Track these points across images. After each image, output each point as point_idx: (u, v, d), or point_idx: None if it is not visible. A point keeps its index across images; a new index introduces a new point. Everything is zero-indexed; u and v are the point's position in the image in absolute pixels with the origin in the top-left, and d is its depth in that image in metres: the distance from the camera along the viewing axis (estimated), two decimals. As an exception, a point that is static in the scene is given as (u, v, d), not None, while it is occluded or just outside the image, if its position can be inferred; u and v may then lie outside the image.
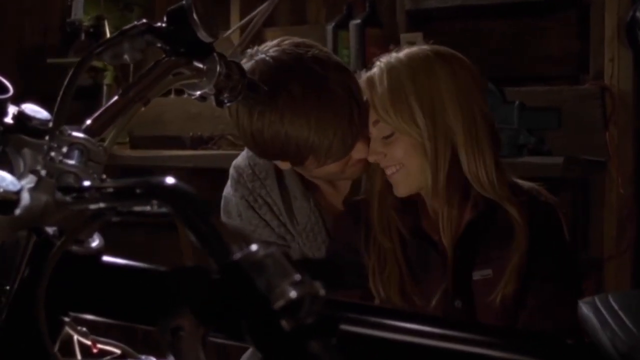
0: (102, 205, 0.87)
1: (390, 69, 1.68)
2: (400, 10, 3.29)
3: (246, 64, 1.68)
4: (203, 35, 1.22)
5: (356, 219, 1.79)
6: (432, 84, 1.66)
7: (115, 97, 1.12)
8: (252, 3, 3.64)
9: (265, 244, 0.69)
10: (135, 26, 1.18)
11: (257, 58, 1.70)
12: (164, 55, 1.20)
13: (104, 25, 3.68)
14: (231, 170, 2.00)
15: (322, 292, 0.67)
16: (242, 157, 1.99)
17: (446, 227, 1.70)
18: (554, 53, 3.15)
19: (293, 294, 0.65)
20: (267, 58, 1.69)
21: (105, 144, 1.08)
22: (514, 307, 1.69)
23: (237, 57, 3.54)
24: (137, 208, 0.82)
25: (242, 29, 3.60)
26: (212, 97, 1.30)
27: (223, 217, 2.00)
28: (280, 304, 0.65)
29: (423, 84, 1.66)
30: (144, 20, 1.21)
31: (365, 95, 1.72)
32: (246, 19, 3.58)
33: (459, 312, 1.71)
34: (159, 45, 1.21)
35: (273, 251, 0.67)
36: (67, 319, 1.02)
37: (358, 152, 1.76)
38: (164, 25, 1.22)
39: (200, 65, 1.26)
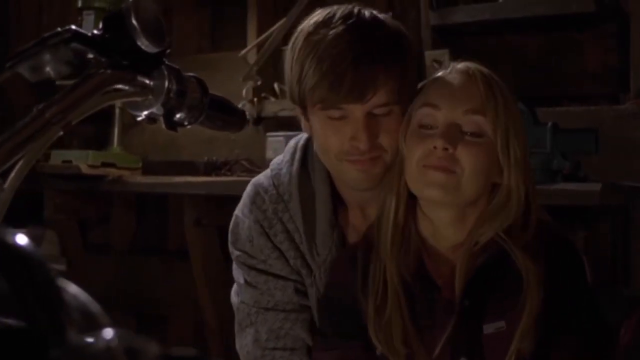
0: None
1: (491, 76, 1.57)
2: (425, 26, 3.07)
3: None
4: (145, 44, 1.01)
5: (352, 263, 1.61)
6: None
7: (27, 119, 0.91)
8: (271, 20, 3.46)
9: (121, 332, 0.47)
10: (57, 33, 0.98)
11: None
12: (95, 69, 1.00)
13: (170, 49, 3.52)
14: (249, 188, 1.82)
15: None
16: (266, 176, 1.81)
17: (458, 272, 1.53)
18: (590, 70, 2.91)
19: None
20: None
21: (8, 181, 0.86)
22: None
23: (253, 78, 3.40)
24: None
25: (260, 47, 3.42)
26: (162, 119, 1.09)
27: (230, 239, 1.83)
28: None
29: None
30: (72, 27, 1.01)
31: (470, 85, 1.55)
32: (263, 36, 3.40)
33: None
34: (90, 56, 1.01)
35: (114, 345, 0.45)
36: None
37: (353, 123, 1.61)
38: (97, 32, 1.02)
39: (146, 81, 1.05)
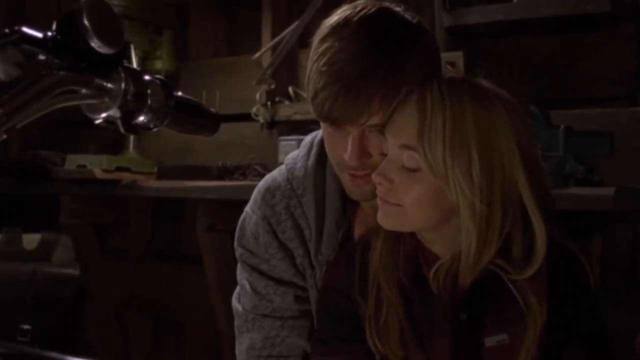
0: None
1: (454, 100, 1.42)
2: (439, 27, 3.01)
3: None
4: (98, 45, 0.98)
5: (349, 264, 1.56)
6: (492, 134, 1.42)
7: (-33, 123, 0.88)
8: (285, 23, 3.42)
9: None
10: (4, 34, 0.95)
11: None
12: (45, 70, 0.97)
13: (129, 50, 3.50)
14: (260, 184, 1.78)
15: None
16: (280, 172, 1.76)
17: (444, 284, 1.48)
18: (606, 71, 2.84)
19: None
20: None
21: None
22: None
23: (267, 81, 3.37)
24: None
25: (274, 50, 3.39)
26: (119, 122, 1.06)
27: (237, 235, 1.79)
28: None
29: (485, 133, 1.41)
30: (22, 28, 0.98)
31: (411, 113, 1.44)
32: (276, 38, 3.37)
33: None
34: (42, 57, 0.98)
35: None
36: None
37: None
38: (50, 33, 0.99)
39: (103, 83, 1.02)
